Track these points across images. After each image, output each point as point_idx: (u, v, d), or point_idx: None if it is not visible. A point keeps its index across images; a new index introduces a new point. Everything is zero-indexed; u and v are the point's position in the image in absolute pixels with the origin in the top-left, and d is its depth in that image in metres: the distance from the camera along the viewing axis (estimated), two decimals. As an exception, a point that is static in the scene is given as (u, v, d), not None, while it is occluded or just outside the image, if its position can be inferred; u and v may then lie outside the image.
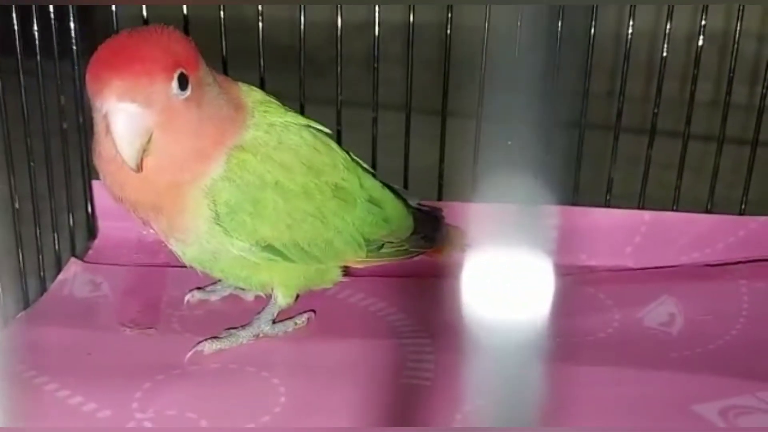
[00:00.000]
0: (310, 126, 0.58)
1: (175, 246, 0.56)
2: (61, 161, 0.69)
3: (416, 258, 0.64)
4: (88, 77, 0.48)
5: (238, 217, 0.53)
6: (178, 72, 0.49)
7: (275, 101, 0.57)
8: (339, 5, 0.69)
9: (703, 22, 0.69)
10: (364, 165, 0.62)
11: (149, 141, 0.49)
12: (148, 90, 0.48)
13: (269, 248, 0.55)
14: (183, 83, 0.49)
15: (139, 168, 0.48)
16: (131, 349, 0.57)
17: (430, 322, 0.62)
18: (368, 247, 0.59)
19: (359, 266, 0.62)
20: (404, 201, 0.64)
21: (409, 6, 0.69)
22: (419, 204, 0.68)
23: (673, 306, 0.63)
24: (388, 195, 0.61)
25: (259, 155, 0.53)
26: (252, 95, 0.57)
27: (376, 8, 0.69)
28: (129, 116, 0.47)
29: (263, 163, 0.54)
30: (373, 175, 0.62)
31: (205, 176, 0.52)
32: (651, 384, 0.54)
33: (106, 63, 0.48)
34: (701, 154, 0.74)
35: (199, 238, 0.54)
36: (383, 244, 0.61)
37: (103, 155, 0.51)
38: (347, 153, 0.60)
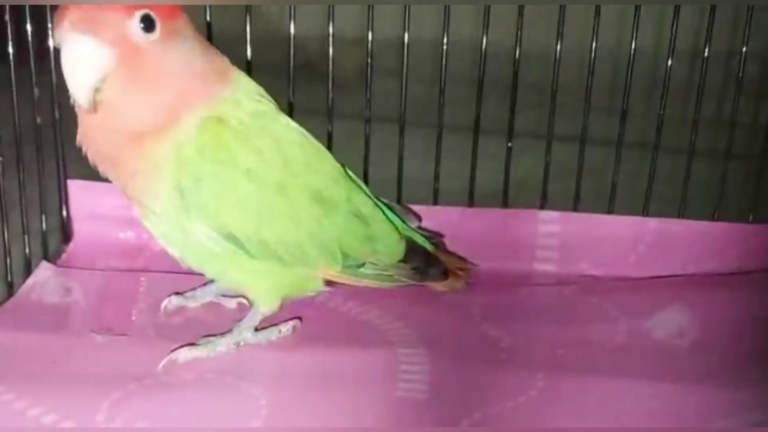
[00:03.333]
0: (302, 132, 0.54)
1: (146, 218, 0.52)
2: (34, 159, 0.65)
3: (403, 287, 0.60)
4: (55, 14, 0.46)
5: (203, 194, 0.49)
6: (143, 11, 0.46)
7: (271, 100, 0.54)
8: (331, 8, 0.66)
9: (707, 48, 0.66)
10: (359, 182, 0.58)
11: (105, 81, 0.45)
12: (101, 20, 0.45)
13: (231, 238, 0.51)
14: (149, 25, 0.46)
15: (93, 108, 0.46)
16: (100, 357, 0.53)
17: (425, 331, 0.58)
18: (345, 263, 0.55)
19: (338, 281, 0.57)
20: (400, 225, 0.60)
21: (404, 21, 0.66)
22: (419, 227, 0.64)
23: (683, 316, 0.60)
24: (378, 215, 0.57)
25: (237, 134, 0.50)
26: (243, 78, 0.53)
27: (371, 21, 0.66)
28: (79, 47, 0.45)
29: (239, 144, 0.50)
30: (368, 194, 0.58)
31: (170, 134, 0.48)
32: (669, 397, 0.50)
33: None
34: (704, 171, 0.71)
35: (163, 207, 0.50)
36: (364, 264, 0.56)
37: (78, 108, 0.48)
38: (342, 166, 0.57)
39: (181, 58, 0.48)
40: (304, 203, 0.52)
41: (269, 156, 0.51)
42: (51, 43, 0.64)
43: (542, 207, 0.70)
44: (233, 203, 0.50)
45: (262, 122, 0.51)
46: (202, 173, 0.49)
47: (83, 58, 0.45)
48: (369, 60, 0.67)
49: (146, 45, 0.46)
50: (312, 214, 0.53)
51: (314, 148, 0.54)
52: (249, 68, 0.66)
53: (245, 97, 0.52)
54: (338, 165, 0.56)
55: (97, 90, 0.46)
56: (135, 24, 0.46)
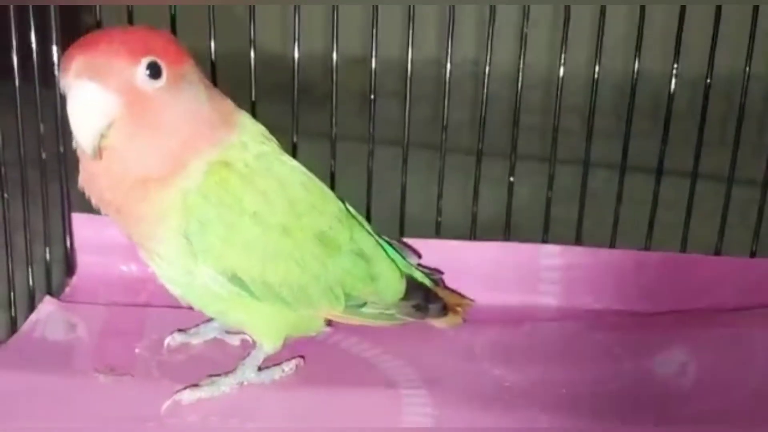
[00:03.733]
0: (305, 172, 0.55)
1: (151, 260, 0.52)
2: (38, 192, 0.66)
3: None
4: (62, 61, 0.46)
5: (208, 238, 0.49)
6: (149, 58, 0.46)
7: (274, 140, 0.54)
8: (335, 34, 0.66)
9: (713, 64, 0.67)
10: (360, 219, 0.59)
11: (110, 128, 0.46)
12: (108, 67, 0.45)
13: (236, 280, 0.51)
14: (155, 72, 0.46)
15: (98, 155, 0.46)
16: (104, 398, 0.53)
17: (428, 370, 0.58)
18: (348, 302, 0.55)
19: (339, 321, 0.58)
20: (400, 262, 0.60)
21: (407, 42, 0.66)
22: (419, 265, 0.64)
23: (685, 354, 0.60)
24: (380, 253, 0.57)
25: (244, 178, 0.50)
26: (248, 121, 0.53)
27: (373, 43, 0.66)
28: (85, 94, 0.45)
29: (245, 187, 0.50)
30: (369, 232, 0.58)
31: (176, 181, 0.48)
32: None
33: (77, 43, 0.46)
34: (710, 195, 0.72)
35: (168, 252, 0.50)
36: (365, 303, 0.56)
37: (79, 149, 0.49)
38: (344, 203, 0.57)
39: (188, 104, 0.48)
40: (308, 244, 0.52)
41: (274, 198, 0.51)
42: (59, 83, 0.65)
43: (545, 237, 0.70)
44: (239, 246, 0.50)
45: (267, 164, 0.52)
46: (207, 217, 0.49)
47: (89, 105, 0.45)
48: (372, 96, 0.67)
49: (152, 92, 0.47)
50: (316, 255, 0.53)
51: (318, 188, 0.55)
52: (252, 106, 0.66)
53: (250, 140, 0.52)
54: (341, 204, 0.56)
55: (102, 136, 0.46)
56: (141, 71, 0.46)
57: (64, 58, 0.46)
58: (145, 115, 0.47)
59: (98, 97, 0.45)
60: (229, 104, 0.52)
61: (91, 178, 0.49)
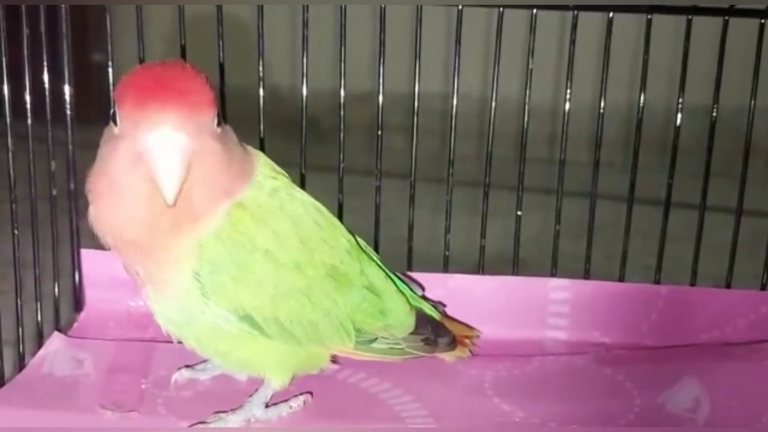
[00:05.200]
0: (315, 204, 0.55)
1: (151, 298, 0.52)
2: (48, 228, 0.66)
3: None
4: (129, 105, 0.45)
5: (219, 278, 0.49)
6: (216, 107, 0.47)
7: (284, 174, 0.55)
8: (343, 70, 0.67)
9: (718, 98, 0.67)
10: (370, 251, 0.59)
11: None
12: (199, 123, 0.46)
13: (247, 319, 0.51)
14: (219, 120, 0.48)
15: (176, 201, 0.45)
16: (110, 435, 0.53)
17: (436, 406, 0.57)
18: (358, 338, 0.55)
19: (348, 356, 0.57)
20: (409, 295, 0.60)
21: (414, 76, 0.67)
22: (423, 296, 0.64)
23: (697, 389, 0.59)
24: (390, 287, 0.57)
25: (256, 217, 0.50)
26: (261, 159, 0.54)
27: (380, 78, 0.67)
28: (180, 147, 0.45)
29: (257, 227, 0.50)
30: (379, 266, 0.58)
31: (203, 223, 0.49)
32: None
33: (154, 92, 0.45)
34: (718, 227, 0.71)
35: (176, 292, 0.50)
36: (376, 338, 0.56)
37: (104, 190, 0.48)
38: (353, 236, 0.57)
39: (230, 148, 0.49)
40: (320, 280, 0.52)
41: (286, 236, 0.51)
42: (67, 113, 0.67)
43: (553, 271, 0.70)
44: (251, 284, 0.50)
45: (279, 202, 0.52)
46: (220, 257, 0.49)
47: (178, 157, 0.45)
48: (379, 132, 0.67)
49: (218, 136, 0.47)
50: (327, 291, 0.53)
51: (329, 223, 0.55)
52: (261, 142, 0.67)
53: (263, 177, 0.52)
54: (351, 237, 0.57)
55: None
56: (214, 121, 0.47)
57: (145, 106, 0.45)
58: (207, 161, 0.47)
59: (185, 149, 0.45)
60: (243, 144, 0.53)
61: (116, 217, 0.49)
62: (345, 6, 0.65)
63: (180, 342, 0.55)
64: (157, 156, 0.45)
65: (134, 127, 0.45)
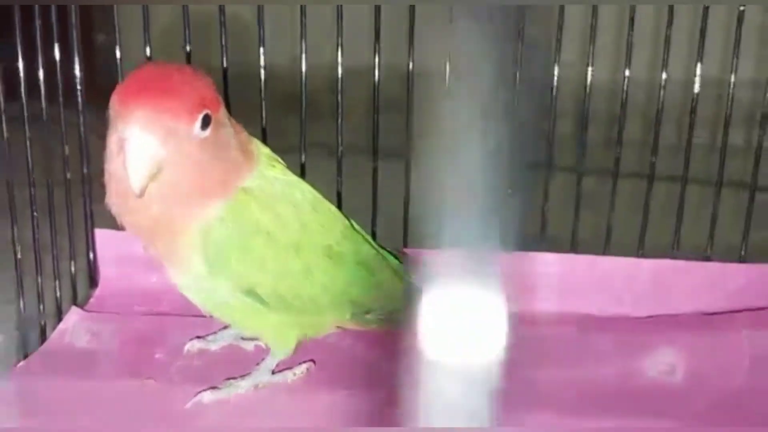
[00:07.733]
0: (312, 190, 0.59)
1: (171, 272, 0.56)
2: (64, 210, 0.70)
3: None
4: (116, 99, 0.49)
5: (224, 259, 0.53)
6: (204, 113, 0.50)
7: (281, 161, 0.59)
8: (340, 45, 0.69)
9: (699, 71, 0.70)
10: (364, 234, 0.63)
11: (160, 172, 0.49)
12: (170, 127, 0.48)
13: (252, 294, 0.55)
14: (205, 123, 0.50)
15: (142, 193, 0.49)
16: (128, 400, 0.57)
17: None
18: (354, 310, 0.59)
19: (347, 327, 0.62)
20: (402, 271, 0.63)
21: (408, 54, 0.70)
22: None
23: (673, 356, 0.63)
24: (383, 264, 0.61)
25: (260, 203, 0.54)
26: (260, 148, 0.58)
27: (376, 55, 0.70)
28: (146, 146, 0.48)
29: (261, 211, 0.54)
30: (371, 245, 0.62)
31: (203, 213, 0.52)
32: None
33: (137, 91, 0.49)
34: (699, 199, 0.75)
35: (188, 270, 0.54)
36: (370, 310, 0.60)
37: (110, 171, 0.52)
38: (348, 220, 0.61)
39: (224, 148, 0.52)
40: (317, 260, 0.56)
41: (288, 220, 0.55)
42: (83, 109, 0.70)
43: (542, 246, 0.73)
44: (255, 264, 0.54)
45: (280, 188, 0.56)
46: (223, 240, 0.53)
47: (146, 154, 0.48)
48: (375, 116, 0.71)
49: (199, 142, 0.50)
50: (324, 268, 0.57)
51: (326, 208, 0.59)
52: (263, 132, 0.70)
53: (263, 166, 0.56)
54: (346, 221, 0.60)
55: (150, 179, 0.49)
56: (197, 127, 0.50)
57: (126, 103, 0.48)
58: (188, 162, 0.50)
59: (155, 148, 0.48)
60: (244, 134, 0.56)
61: (118, 198, 0.52)
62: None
63: (208, 316, 0.59)
64: (128, 148, 0.48)
65: (117, 119, 0.49)
